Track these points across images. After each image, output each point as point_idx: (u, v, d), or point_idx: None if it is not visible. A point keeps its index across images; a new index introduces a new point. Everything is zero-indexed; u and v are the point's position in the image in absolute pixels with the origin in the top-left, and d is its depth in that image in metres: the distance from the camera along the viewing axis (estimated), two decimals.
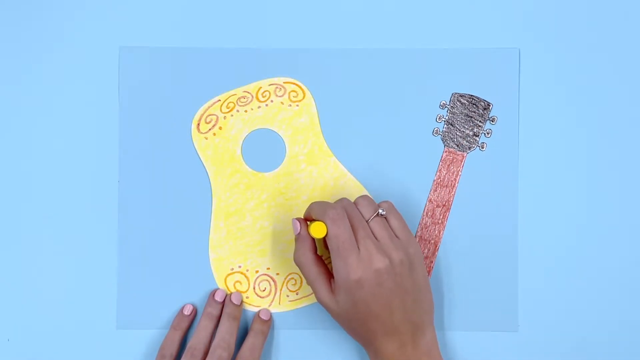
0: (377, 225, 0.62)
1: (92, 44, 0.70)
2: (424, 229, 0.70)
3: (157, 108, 0.70)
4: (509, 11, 0.70)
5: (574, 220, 0.70)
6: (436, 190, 0.70)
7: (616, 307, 0.69)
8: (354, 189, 0.70)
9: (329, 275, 0.64)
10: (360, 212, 0.63)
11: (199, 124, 0.70)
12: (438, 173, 0.70)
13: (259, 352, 0.67)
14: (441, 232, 0.70)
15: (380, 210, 0.63)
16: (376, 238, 0.62)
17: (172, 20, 0.70)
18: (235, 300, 0.69)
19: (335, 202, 0.64)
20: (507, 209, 0.70)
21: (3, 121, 0.70)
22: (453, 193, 0.70)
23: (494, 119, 0.70)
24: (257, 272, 0.70)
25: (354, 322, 0.63)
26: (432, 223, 0.70)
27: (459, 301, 0.70)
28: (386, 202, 0.64)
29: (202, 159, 0.70)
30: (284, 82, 0.70)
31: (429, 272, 0.70)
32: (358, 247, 0.61)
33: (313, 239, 0.64)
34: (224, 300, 0.69)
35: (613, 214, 0.70)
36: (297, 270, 0.69)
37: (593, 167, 0.70)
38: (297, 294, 0.70)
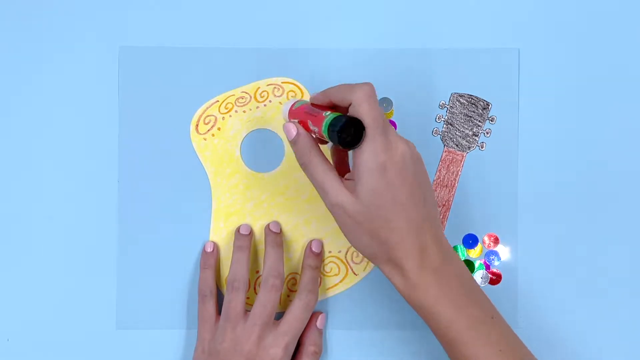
0: None
1: (92, 44, 0.70)
2: None
3: (157, 108, 0.70)
4: (509, 11, 0.70)
5: (574, 220, 0.70)
6: (436, 190, 0.70)
7: (616, 306, 0.69)
8: None
9: (337, 174, 0.58)
10: None
11: (197, 125, 0.70)
12: (438, 173, 0.70)
13: (317, 284, 0.67)
14: None
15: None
16: None
17: (171, 20, 0.71)
18: (274, 229, 0.69)
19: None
20: (507, 209, 0.70)
21: (3, 121, 0.70)
22: (453, 193, 0.70)
23: (493, 118, 0.70)
24: (257, 272, 0.70)
25: (377, 220, 0.56)
26: None
27: None
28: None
29: (201, 159, 0.70)
30: (282, 82, 0.70)
31: None
32: None
33: (314, 138, 0.60)
34: (250, 233, 0.68)
35: (613, 214, 0.70)
36: (298, 270, 0.69)
37: (593, 166, 0.70)
38: None
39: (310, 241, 0.69)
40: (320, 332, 0.68)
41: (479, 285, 0.60)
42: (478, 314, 0.58)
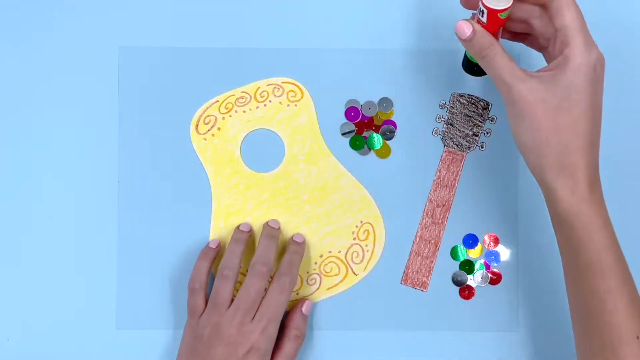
0: None
1: (92, 44, 0.70)
2: (424, 229, 0.70)
3: (157, 108, 0.70)
4: None
5: None
6: (436, 190, 0.70)
7: None
8: (353, 188, 0.70)
9: None
10: None
11: (197, 125, 0.70)
12: (438, 173, 0.70)
13: (296, 269, 0.67)
14: (441, 232, 0.70)
15: None
16: None
17: (171, 20, 0.71)
18: (273, 225, 0.69)
19: None
20: (507, 209, 0.70)
21: (3, 121, 0.70)
22: (453, 193, 0.70)
23: (493, 118, 0.70)
24: None
25: (567, 115, 0.55)
26: (432, 223, 0.70)
27: (459, 301, 0.70)
28: None
29: (201, 159, 0.70)
30: (282, 82, 0.70)
31: (429, 272, 0.70)
32: None
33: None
34: (249, 231, 0.69)
35: (613, 214, 0.70)
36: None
37: None
38: (297, 294, 0.70)
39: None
40: (305, 318, 0.68)
41: None
42: (623, 258, 0.58)
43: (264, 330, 0.64)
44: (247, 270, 0.66)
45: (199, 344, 0.64)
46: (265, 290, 0.66)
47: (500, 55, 0.57)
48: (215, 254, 0.68)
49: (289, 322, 0.67)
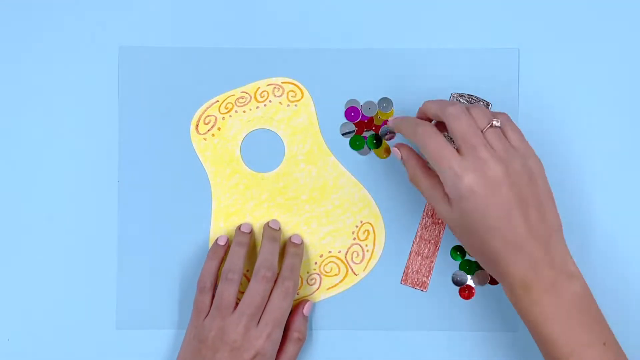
0: (491, 136, 0.58)
1: (92, 44, 0.70)
2: (424, 229, 0.70)
3: (157, 108, 0.70)
4: (509, 11, 0.70)
5: (574, 220, 0.70)
6: None
7: (616, 307, 0.69)
8: (353, 188, 0.70)
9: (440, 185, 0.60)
10: (475, 121, 0.59)
11: (197, 125, 0.70)
12: None
13: (298, 272, 0.67)
14: (441, 232, 0.70)
15: (494, 122, 0.59)
16: (492, 148, 0.58)
17: (172, 20, 0.71)
18: (273, 226, 0.69)
19: (450, 102, 0.62)
20: None
21: (3, 121, 0.70)
22: None
23: None
24: None
25: (473, 236, 0.58)
26: (432, 223, 0.70)
27: (459, 301, 0.69)
28: (502, 114, 0.61)
29: (201, 159, 0.70)
30: (282, 82, 0.70)
31: (429, 272, 0.70)
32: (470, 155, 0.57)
33: (419, 156, 0.63)
34: (250, 232, 0.69)
35: (613, 214, 0.70)
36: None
37: (593, 166, 0.70)
38: (297, 293, 0.70)
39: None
40: (306, 319, 0.68)
41: (597, 308, 0.59)
42: (587, 338, 0.58)
43: (269, 336, 0.64)
44: (247, 271, 0.66)
45: (203, 347, 0.64)
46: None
47: (423, 180, 0.62)
48: (224, 252, 0.68)
49: (290, 324, 0.67)
